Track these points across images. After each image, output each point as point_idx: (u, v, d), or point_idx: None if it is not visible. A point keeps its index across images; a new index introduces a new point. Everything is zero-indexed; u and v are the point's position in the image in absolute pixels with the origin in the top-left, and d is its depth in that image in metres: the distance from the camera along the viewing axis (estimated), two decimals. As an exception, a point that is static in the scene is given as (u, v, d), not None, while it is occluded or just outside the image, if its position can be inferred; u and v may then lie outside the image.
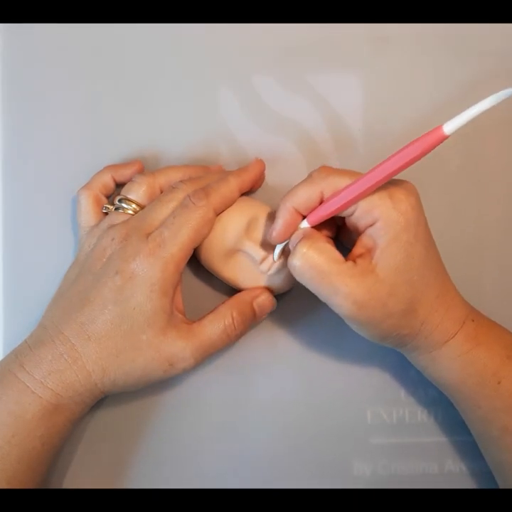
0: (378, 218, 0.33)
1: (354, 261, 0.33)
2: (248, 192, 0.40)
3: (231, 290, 0.39)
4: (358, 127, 0.41)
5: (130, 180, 0.39)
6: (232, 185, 0.37)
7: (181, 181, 0.37)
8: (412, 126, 0.42)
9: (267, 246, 0.38)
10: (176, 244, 0.35)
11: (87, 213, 0.39)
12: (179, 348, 0.35)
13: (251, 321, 0.38)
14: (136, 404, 0.40)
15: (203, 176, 0.38)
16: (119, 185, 0.40)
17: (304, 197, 0.35)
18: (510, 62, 0.42)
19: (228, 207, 0.37)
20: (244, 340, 0.40)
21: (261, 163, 0.39)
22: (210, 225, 0.36)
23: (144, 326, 0.35)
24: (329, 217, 0.35)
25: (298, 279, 0.34)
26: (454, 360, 0.35)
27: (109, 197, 0.40)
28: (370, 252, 0.34)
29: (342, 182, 0.34)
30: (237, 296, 0.38)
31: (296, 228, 0.36)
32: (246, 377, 0.41)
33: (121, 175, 0.40)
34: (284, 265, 0.38)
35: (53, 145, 0.41)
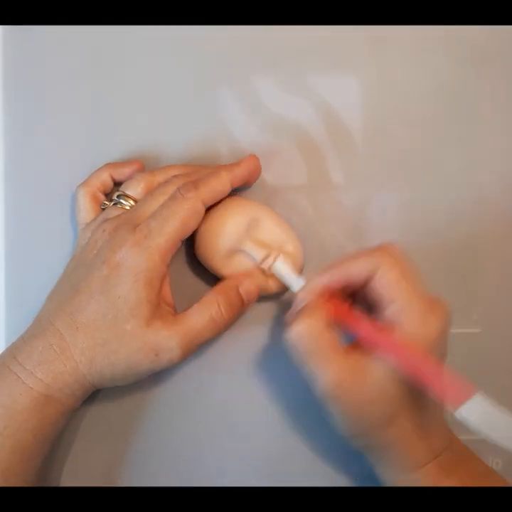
0: (403, 328, 0.33)
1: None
2: (243, 186, 0.40)
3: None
4: (357, 128, 0.42)
5: (129, 178, 0.39)
6: (223, 179, 0.37)
7: (174, 176, 0.38)
8: (411, 127, 0.42)
9: (267, 246, 0.38)
10: (162, 235, 0.35)
11: (85, 210, 0.39)
12: (164, 337, 0.35)
13: (239, 308, 0.37)
14: (134, 402, 0.40)
15: (197, 171, 0.38)
16: (118, 184, 0.40)
17: (357, 270, 0.34)
18: (509, 63, 0.42)
19: (218, 200, 0.37)
20: (244, 340, 0.41)
21: (254, 159, 0.39)
22: (198, 216, 0.36)
23: (128, 316, 0.34)
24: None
25: (289, 348, 0.34)
26: None
27: (108, 195, 0.40)
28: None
29: (395, 270, 0.33)
30: (222, 283, 0.38)
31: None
32: (246, 376, 0.41)
33: (121, 173, 0.40)
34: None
35: (54, 145, 0.41)
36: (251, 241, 0.38)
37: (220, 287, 0.37)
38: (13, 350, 0.35)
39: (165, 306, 0.36)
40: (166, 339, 0.35)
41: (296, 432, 0.41)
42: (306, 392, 0.41)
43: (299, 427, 0.41)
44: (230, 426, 0.41)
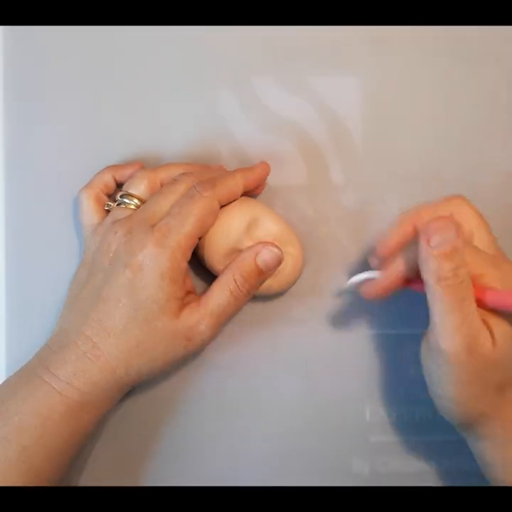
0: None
1: None
2: (250, 196, 0.40)
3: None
4: (357, 128, 0.42)
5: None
6: (238, 180, 0.37)
7: (183, 174, 0.38)
8: (411, 127, 0.42)
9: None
10: (182, 233, 0.35)
11: (89, 212, 0.39)
12: (193, 323, 0.36)
13: (257, 278, 0.37)
14: (135, 404, 0.40)
15: (204, 171, 0.39)
16: (120, 186, 0.40)
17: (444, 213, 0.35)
18: (508, 63, 0.42)
19: (232, 200, 0.38)
20: (244, 341, 0.41)
21: (266, 166, 0.39)
22: (214, 215, 0.37)
23: (158, 314, 0.35)
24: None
25: (432, 291, 0.32)
26: None
27: (110, 196, 0.40)
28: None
29: (474, 220, 0.36)
30: (238, 256, 0.37)
31: (404, 241, 0.36)
32: (246, 376, 0.41)
33: (122, 175, 0.40)
34: (284, 266, 0.38)
35: (55, 146, 0.41)
36: (251, 241, 0.38)
37: (235, 261, 0.37)
38: (42, 360, 0.35)
39: (188, 296, 0.37)
40: (196, 324, 0.36)
41: (296, 432, 0.41)
42: (306, 392, 0.41)
43: (299, 427, 0.41)
44: (229, 426, 0.41)
